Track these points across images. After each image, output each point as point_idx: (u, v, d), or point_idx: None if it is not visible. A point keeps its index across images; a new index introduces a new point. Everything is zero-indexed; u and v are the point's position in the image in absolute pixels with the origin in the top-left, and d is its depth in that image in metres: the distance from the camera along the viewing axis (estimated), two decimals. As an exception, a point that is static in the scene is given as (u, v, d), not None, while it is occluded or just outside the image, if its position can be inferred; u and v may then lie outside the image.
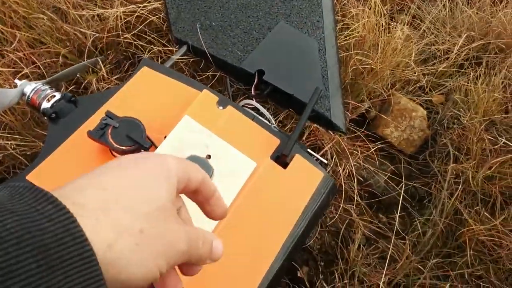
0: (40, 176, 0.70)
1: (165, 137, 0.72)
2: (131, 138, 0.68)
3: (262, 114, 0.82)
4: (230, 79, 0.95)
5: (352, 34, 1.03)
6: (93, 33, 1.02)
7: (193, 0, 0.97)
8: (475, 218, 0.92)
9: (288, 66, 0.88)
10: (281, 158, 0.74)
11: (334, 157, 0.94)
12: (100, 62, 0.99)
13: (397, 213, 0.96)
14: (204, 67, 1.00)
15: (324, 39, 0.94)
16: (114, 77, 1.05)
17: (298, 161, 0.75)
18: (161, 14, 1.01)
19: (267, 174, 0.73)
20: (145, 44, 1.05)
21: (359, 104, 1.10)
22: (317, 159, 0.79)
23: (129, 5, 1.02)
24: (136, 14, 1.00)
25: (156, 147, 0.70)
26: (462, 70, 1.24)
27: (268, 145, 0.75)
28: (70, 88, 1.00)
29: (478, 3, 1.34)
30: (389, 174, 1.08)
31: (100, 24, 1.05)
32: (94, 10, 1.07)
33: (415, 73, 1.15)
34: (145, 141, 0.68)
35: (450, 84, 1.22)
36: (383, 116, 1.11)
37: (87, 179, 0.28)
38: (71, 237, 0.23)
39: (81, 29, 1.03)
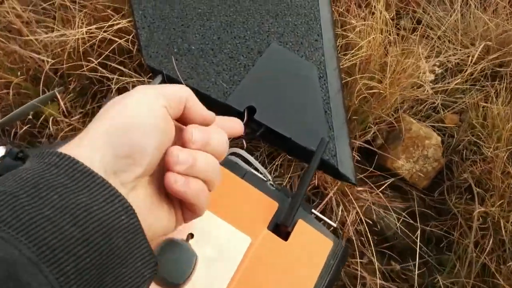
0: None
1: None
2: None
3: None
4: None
5: (357, 53, 0.89)
6: (50, 60, 0.86)
7: (167, 17, 0.82)
8: (508, 275, 0.80)
9: (283, 100, 0.74)
10: (281, 229, 0.60)
11: (340, 206, 0.80)
12: (58, 96, 0.84)
13: (415, 270, 0.83)
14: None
15: (325, 62, 0.80)
16: (78, 111, 0.90)
17: (302, 228, 0.62)
18: (129, 36, 0.86)
19: (265, 251, 0.59)
20: (116, 66, 0.89)
21: (364, 132, 0.97)
22: (324, 222, 0.66)
23: (92, 25, 0.87)
24: (99, 36, 0.84)
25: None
26: (477, 86, 1.12)
27: (265, 210, 0.62)
28: (25, 128, 0.84)
29: (492, 6, 1.21)
30: (401, 215, 0.95)
31: (59, 45, 0.89)
32: (52, 31, 0.91)
33: (425, 92, 1.02)
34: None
35: (464, 102, 1.10)
36: (391, 146, 0.98)
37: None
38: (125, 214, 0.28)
39: (38, 56, 0.87)
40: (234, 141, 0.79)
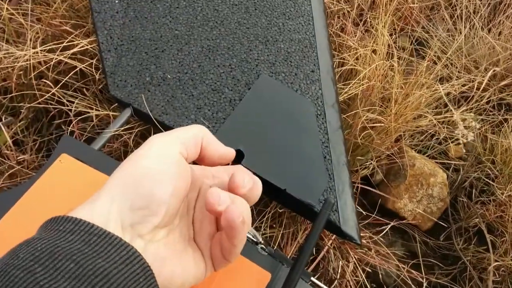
0: None
1: None
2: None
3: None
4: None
5: (358, 83, 0.81)
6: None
7: (138, 38, 0.73)
8: None
9: (276, 143, 0.65)
10: (275, 307, 0.51)
11: (339, 261, 0.72)
12: (3, 129, 0.73)
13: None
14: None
15: (322, 97, 0.72)
16: (31, 144, 0.80)
17: (300, 304, 0.53)
18: (93, 59, 0.75)
19: (254, 336, 0.50)
20: (73, 94, 0.79)
21: (362, 167, 0.89)
22: (325, 292, 0.57)
23: (46, 45, 0.76)
24: (54, 60, 0.74)
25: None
26: (483, 115, 1.06)
27: (255, 283, 0.53)
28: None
29: (498, 27, 1.15)
30: (404, 262, 0.88)
31: (6, 66, 0.78)
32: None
33: (429, 122, 0.95)
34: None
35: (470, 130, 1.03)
36: (393, 184, 0.90)
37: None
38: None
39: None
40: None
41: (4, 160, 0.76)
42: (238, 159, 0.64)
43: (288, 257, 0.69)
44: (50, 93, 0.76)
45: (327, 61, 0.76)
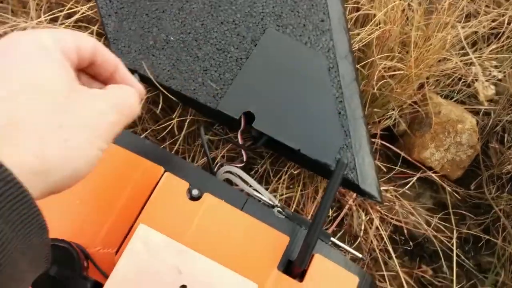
0: None
1: (117, 252, 0.50)
2: (58, 279, 0.46)
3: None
4: (206, 125, 0.71)
5: (373, 28, 0.78)
6: None
7: (138, 0, 0.71)
8: None
9: (287, 101, 0.64)
10: (295, 268, 0.52)
11: (362, 214, 0.72)
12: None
13: (452, 276, 0.76)
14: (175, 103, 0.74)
15: (334, 48, 0.69)
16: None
17: (320, 264, 0.54)
18: (94, 26, 0.75)
19: (274, 299, 0.51)
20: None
21: (384, 117, 0.87)
22: (347, 252, 0.58)
23: (47, 14, 0.76)
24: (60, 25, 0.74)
25: (100, 285, 0.47)
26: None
27: (273, 247, 0.54)
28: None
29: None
30: (433, 213, 0.87)
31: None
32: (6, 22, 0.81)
33: (455, 65, 0.92)
34: (83, 280, 0.46)
35: (500, 71, 0.99)
36: (417, 133, 0.89)
37: None
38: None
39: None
40: (233, 151, 0.70)
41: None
42: (249, 121, 0.63)
43: (309, 217, 0.69)
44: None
45: (338, 8, 0.73)
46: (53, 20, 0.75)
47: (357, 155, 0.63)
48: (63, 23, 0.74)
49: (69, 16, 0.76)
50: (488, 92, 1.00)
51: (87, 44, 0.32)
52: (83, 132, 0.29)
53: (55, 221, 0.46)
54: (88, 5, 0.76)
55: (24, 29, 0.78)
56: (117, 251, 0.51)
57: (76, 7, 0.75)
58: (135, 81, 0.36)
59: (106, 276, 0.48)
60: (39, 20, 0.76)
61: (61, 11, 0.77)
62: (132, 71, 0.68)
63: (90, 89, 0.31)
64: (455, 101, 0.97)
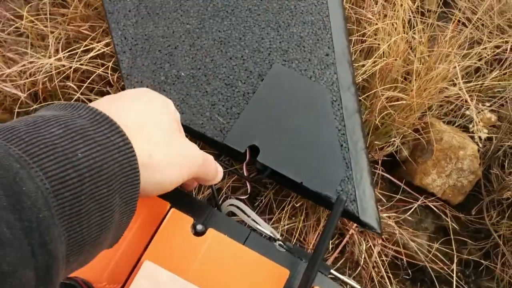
0: None
1: (122, 287, 0.52)
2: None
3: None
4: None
5: (376, 61, 0.79)
6: (23, 94, 0.79)
7: (151, 36, 0.74)
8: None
9: (291, 135, 0.66)
10: (294, 302, 0.54)
11: (363, 244, 0.73)
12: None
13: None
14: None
15: (338, 82, 0.71)
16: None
17: (319, 298, 0.55)
18: (109, 62, 0.77)
19: (275, 331, 0.53)
20: (96, 98, 0.82)
21: (386, 144, 0.88)
22: (345, 283, 0.59)
23: (65, 51, 0.78)
24: (74, 67, 0.76)
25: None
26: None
27: (273, 280, 0.55)
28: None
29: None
30: (434, 238, 0.88)
31: (32, 74, 0.82)
32: (24, 55, 0.84)
33: (458, 91, 0.92)
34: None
35: (502, 97, 0.99)
36: (420, 160, 0.89)
37: (127, 102, 0.39)
38: (130, 165, 0.33)
39: (9, 89, 0.80)
40: (239, 181, 0.71)
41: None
42: (254, 154, 0.65)
43: (310, 247, 0.70)
44: (75, 97, 0.79)
45: (343, 42, 0.75)
46: (71, 57, 0.78)
47: (358, 187, 0.64)
48: (80, 59, 0.76)
49: (86, 51, 0.78)
50: (493, 118, 1.00)
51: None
52: (180, 157, 0.41)
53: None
54: (104, 42, 0.79)
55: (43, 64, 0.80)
56: (122, 287, 0.52)
57: (92, 44, 0.78)
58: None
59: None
60: (57, 57, 0.78)
61: (78, 47, 0.79)
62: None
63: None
64: (457, 126, 0.98)
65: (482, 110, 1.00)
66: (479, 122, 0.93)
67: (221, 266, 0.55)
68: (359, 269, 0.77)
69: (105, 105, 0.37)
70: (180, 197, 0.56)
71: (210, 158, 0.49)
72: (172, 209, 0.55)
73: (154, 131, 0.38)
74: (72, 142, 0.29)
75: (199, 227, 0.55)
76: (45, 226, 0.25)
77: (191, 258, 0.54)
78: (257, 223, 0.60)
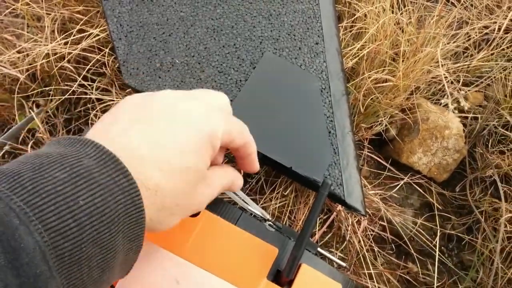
0: None
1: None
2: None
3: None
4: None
5: (364, 45, 0.81)
6: (22, 76, 0.81)
7: (146, 24, 0.76)
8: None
9: (281, 122, 0.69)
10: (282, 278, 0.58)
11: (349, 219, 0.77)
12: (37, 119, 0.80)
13: (434, 273, 0.81)
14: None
15: (327, 70, 0.73)
16: (61, 121, 0.87)
17: (306, 274, 0.60)
18: (106, 48, 0.79)
19: (264, 305, 0.57)
20: (93, 78, 0.84)
21: (375, 123, 0.91)
22: (332, 261, 0.63)
23: (61, 35, 0.80)
24: (73, 53, 0.78)
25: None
26: (504, 59, 1.03)
27: (263, 259, 0.59)
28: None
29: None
30: (419, 214, 0.92)
31: (31, 58, 0.84)
32: (20, 37, 0.86)
33: (446, 71, 0.94)
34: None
35: (490, 77, 1.02)
36: (406, 139, 0.92)
37: (148, 121, 0.36)
38: (134, 205, 0.33)
39: (9, 71, 0.82)
40: (231, 164, 0.75)
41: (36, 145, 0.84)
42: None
43: (299, 225, 0.75)
44: (76, 83, 0.81)
45: (332, 30, 0.77)
46: (66, 40, 0.80)
47: (344, 171, 0.68)
48: (76, 44, 0.78)
49: (81, 32, 0.80)
50: (480, 97, 1.03)
51: (239, 143, 0.45)
52: (189, 200, 0.40)
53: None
54: (100, 28, 0.80)
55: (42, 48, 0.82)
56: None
57: (87, 30, 0.79)
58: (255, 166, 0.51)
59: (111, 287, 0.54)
60: (55, 43, 0.80)
61: (73, 29, 0.81)
62: (140, 92, 0.73)
63: (212, 175, 0.43)
64: (444, 106, 1.00)
65: (468, 91, 1.02)
66: (461, 101, 0.96)
67: (213, 245, 0.59)
68: (345, 243, 0.81)
69: (121, 123, 0.35)
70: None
71: (222, 186, 0.47)
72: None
73: (168, 155, 0.35)
74: (75, 188, 0.29)
75: (193, 208, 0.59)
76: (42, 280, 0.26)
77: (185, 237, 0.58)
78: (248, 204, 0.64)
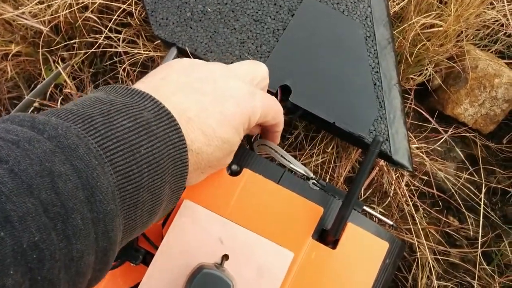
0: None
1: (163, 224, 0.56)
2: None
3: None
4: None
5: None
6: (45, 27, 0.78)
7: (174, -32, 0.71)
8: None
9: (323, 74, 0.65)
10: (329, 236, 0.57)
11: (391, 172, 0.75)
12: (63, 73, 0.78)
13: (478, 228, 0.79)
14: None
15: (372, 15, 0.68)
16: (88, 76, 0.85)
17: (352, 232, 0.58)
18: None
19: (310, 264, 0.57)
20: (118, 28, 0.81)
21: (419, 73, 0.87)
22: (379, 220, 0.62)
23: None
24: (97, 2, 0.75)
25: (151, 254, 0.54)
26: None
27: (308, 218, 0.58)
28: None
29: None
30: (463, 167, 0.89)
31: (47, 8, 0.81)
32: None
33: (497, 14, 0.88)
34: (135, 251, 0.52)
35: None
36: (452, 89, 0.88)
37: (196, 84, 0.41)
38: (181, 160, 0.37)
39: (32, 23, 0.80)
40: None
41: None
42: (285, 95, 0.65)
43: (341, 181, 0.73)
44: (103, 36, 0.78)
45: (377, -30, 0.71)
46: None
47: (391, 126, 0.65)
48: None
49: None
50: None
51: (270, 123, 0.52)
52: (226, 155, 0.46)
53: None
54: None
55: None
56: (163, 224, 0.56)
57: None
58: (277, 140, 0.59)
59: (155, 247, 0.54)
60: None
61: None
62: (171, 44, 0.70)
63: None
64: (494, 52, 0.94)
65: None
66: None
67: (256, 205, 0.57)
68: (388, 199, 0.80)
69: (173, 84, 0.39)
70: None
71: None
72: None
73: (211, 120, 0.39)
74: (138, 137, 0.32)
75: (234, 167, 0.57)
76: (110, 217, 0.29)
77: (228, 197, 0.57)
78: (289, 162, 0.62)
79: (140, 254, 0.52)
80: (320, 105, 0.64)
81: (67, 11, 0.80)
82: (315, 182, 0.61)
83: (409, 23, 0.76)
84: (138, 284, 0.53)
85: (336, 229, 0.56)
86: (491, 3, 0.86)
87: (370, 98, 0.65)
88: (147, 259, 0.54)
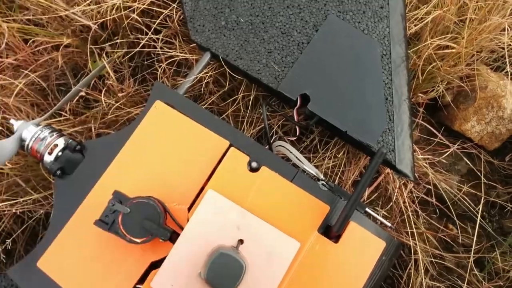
0: (50, 261, 0.66)
1: (189, 208, 0.64)
2: (147, 228, 0.60)
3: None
4: (268, 102, 0.80)
5: (430, 11, 0.82)
6: (93, 25, 0.87)
7: (213, -20, 0.79)
8: None
9: (340, 86, 0.73)
10: (332, 232, 0.64)
11: (396, 181, 0.82)
12: (108, 67, 0.86)
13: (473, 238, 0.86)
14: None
15: (390, 35, 0.75)
16: (128, 70, 0.93)
17: (354, 230, 0.66)
18: (173, 3, 0.84)
19: (314, 254, 0.65)
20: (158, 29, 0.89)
21: (431, 89, 0.93)
22: (378, 221, 0.69)
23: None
24: (142, 7, 0.83)
25: (177, 234, 0.62)
26: None
27: (315, 214, 0.66)
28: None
29: None
30: (465, 180, 0.95)
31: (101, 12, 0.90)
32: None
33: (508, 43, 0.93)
34: (164, 230, 0.61)
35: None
36: (462, 106, 0.94)
37: None
38: None
39: (83, 20, 0.88)
40: (287, 126, 0.80)
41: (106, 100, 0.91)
42: (304, 102, 0.72)
43: (349, 183, 0.80)
44: (147, 37, 0.86)
45: (397, -6, 0.77)
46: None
47: (397, 138, 0.71)
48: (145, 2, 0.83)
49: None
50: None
51: None
52: None
53: (144, 180, 0.61)
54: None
55: None
56: (189, 208, 0.65)
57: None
58: None
59: (181, 228, 0.62)
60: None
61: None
62: (206, 49, 0.78)
63: None
64: (505, 72, 1.00)
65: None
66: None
67: (271, 199, 0.65)
68: (391, 204, 0.87)
69: None
70: (237, 135, 0.66)
71: None
72: (232, 148, 0.65)
73: None
74: None
75: (254, 164, 0.66)
76: None
77: (247, 190, 0.65)
78: (303, 163, 0.70)
79: (168, 232, 0.60)
80: (335, 114, 0.71)
81: (115, 12, 0.88)
82: (325, 183, 0.68)
83: (424, 44, 0.82)
84: (164, 258, 0.61)
85: (339, 225, 0.63)
86: (504, 29, 0.91)
87: (381, 111, 0.72)
88: (173, 237, 0.62)
